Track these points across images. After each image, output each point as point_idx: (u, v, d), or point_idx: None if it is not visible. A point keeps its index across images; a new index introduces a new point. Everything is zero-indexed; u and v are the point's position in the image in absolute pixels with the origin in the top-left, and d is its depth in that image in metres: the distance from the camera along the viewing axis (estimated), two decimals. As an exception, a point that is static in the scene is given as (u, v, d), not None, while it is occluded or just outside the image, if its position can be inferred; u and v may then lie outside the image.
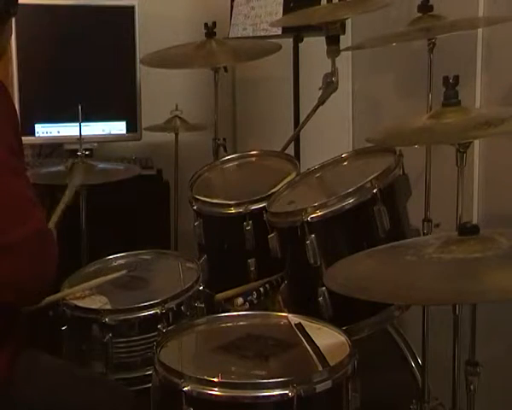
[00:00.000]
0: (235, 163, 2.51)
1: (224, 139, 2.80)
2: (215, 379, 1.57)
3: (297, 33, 2.83)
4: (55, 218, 2.10)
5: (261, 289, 2.15)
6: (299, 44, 2.87)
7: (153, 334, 1.96)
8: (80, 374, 1.86)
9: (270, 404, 1.55)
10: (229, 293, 2.18)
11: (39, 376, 1.74)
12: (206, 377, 1.57)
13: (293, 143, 2.71)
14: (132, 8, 3.03)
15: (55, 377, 1.78)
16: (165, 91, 3.15)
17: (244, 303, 2.11)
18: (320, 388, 1.57)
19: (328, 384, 1.58)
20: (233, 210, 2.22)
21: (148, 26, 3.07)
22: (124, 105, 3.08)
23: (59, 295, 2.04)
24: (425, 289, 1.43)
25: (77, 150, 2.55)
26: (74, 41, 3.00)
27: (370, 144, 2.07)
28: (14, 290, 1.60)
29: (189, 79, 3.30)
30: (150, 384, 1.69)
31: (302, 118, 2.70)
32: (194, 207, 2.29)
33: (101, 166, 2.61)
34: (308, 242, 1.91)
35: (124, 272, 2.14)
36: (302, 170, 2.30)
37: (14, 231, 1.56)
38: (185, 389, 1.56)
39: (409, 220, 2.07)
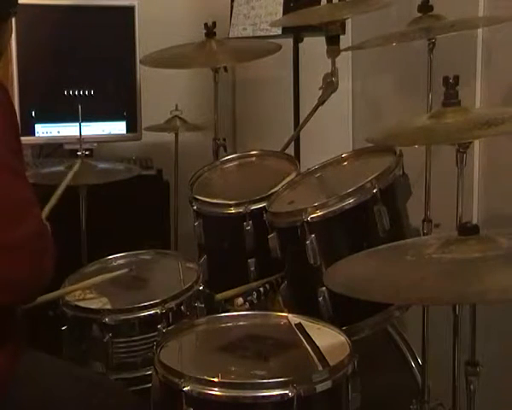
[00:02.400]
0: (235, 163, 2.51)
1: (224, 139, 2.80)
2: (215, 379, 1.57)
3: (297, 33, 2.84)
4: (46, 211, 2.10)
5: (261, 289, 2.15)
6: (299, 44, 2.87)
7: (153, 334, 1.96)
8: (80, 374, 1.86)
9: (270, 404, 1.55)
10: (229, 293, 2.18)
11: (39, 376, 1.74)
12: (206, 377, 1.57)
13: (293, 143, 2.71)
14: (132, 8, 3.03)
15: (55, 378, 1.77)
16: (165, 91, 3.15)
17: (244, 303, 2.11)
18: (320, 388, 1.57)
19: (328, 384, 1.58)
20: (233, 210, 2.22)
21: (148, 26, 3.07)
22: (124, 105, 3.08)
23: (59, 292, 2.04)
24: (425, 289, 1.43)
25: (77, 150, 2.55)
26: (74, 41, 3.00)
27: (370, 144, 2.07)
28: (11, 290, 1.59)
29: (189, 79, 3.30)
30: (150, 384, 1.69)
31: (302, 118, 2.70)
32: (194, 208, 2.29)
33: (101, 166, 2.61)
34: (308, 242, 1.91)
35: (125, 270, 2.14)
36: (302, 170, 2.30)
37: (12, 231, 1.56)
38: (185, 389, 1.56)
39: (409, 220, 2.07)
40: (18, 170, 1.65)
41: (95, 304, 2.03)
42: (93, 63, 3.02)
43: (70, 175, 2.35)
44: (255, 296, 2.12)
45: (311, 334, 1.77)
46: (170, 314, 1.99)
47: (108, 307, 2.02)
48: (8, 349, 1.69)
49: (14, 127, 1.72)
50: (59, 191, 2.25)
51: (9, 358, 1.69)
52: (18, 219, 1.58)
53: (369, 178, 1.92)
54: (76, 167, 2.39)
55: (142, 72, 3.02)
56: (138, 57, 2.98)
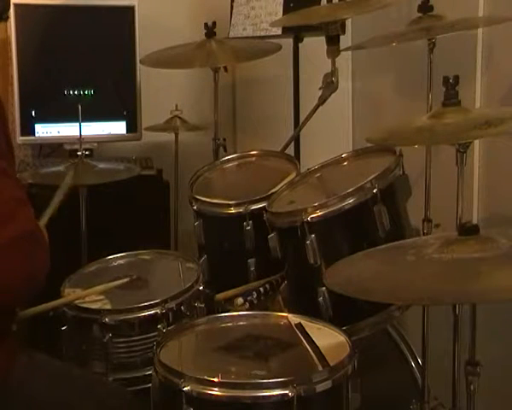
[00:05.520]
0: (235, 163, 2.51)
1: (224, 139, 2.80)
2: (215, 379, 1.57)
3: (297, 33, 2.83)
4: (44, 219, 2.09)
5: (261, 289, 2.15)
6: (299, 44, 2.87)
7: (153, 334, 1.96)
8: (80, 374, 1.86)
9: (270, 404, 1.55)
10: (229, 293, 2.18)
11: (39, 376, 1.73)
12: (206, 377, 1.57)
13: (293, 143, 2.71)
14: (132, 8, 3.03)
15: (55, 378, 1.77)
16: (165, 91, 3.15)
17: (244, 303, 2.11)
18: (320, 388, 1.57)
19: (328, 384, 1.58)
20: (233, 210, 2.22)
21: (148, 26, 3.07)
22: (124, 105, 3.08)
23: (61, 300, 2.03)
24: (425, 289, 1.43)
25: (77, 150, 2.55)
26: (74, 41, 3.00)
27: (370, 144, 2.07)
28: (1, 292, 1.57)
29: (189, 79, 3.30)
30: (150, 384, 1.69)
31: (302, 118, 2.70)
32: (194, 208, 2.29)
33: (101, 166, 2.61)
34: (308, 242, 1.91)
35: (126, 279, 2.13)
36: (302, 170, 2.30)
37: None
38: (185, 389, 1.56)
39: (409, 220, 2.07)
40: (6, 171, 1.63)
41: (95, 304, 2.03)
42: (93, 63, 3.02)
43: (65, 186, 2.33)
44: (255, 296, 2.12)
45: (311, 334, 1.77)
46: (170, 314, 1.99)
47: (108, 307, 2.02)
48: (7, 349, 1.69)
49: (3, 127, 1.71)
50: (55, 201, 2.23)
51: (8, 358, 1.69)
52: (6, 219, 1.56)
53: (369, 178, 1.93)
54: (68, 178, 2.36)
55: (142, 72, 3.02)
56: (138, 57, 2.98)
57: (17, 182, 1.67)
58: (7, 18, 1.78)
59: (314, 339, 1.75)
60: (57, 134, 3.01)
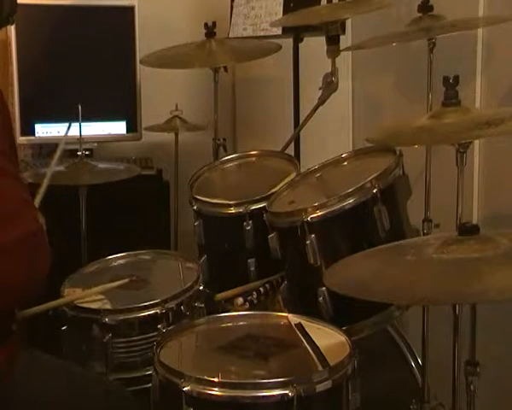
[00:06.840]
0: (235, 163, 2.51)
1: (224, 139, 2.80)
2: (215, 379, 1.57)
3: (297, 33, 2.83)
4: (37, 200, 2.08)
5: (261, 289, 2.14)
6: (299, 44, 2.87)
7: (153, 334, 1.96)
8: (80, 374, 1.86)
9: (270, 404, 1.55)
10: (229, 293, 2.18)
11: (39, 376, 1.73)
12: (206, 377, 1.57)
13: (293, 143, 2.71)
14: (132, 8, 3.03)
15: (55, 377, 1.77)
16: (165, 91, 3.15)
17: (244, 303, 2.11)
18: (320, 388, 1.57)
19: (328, 384, 1.58)
20: (233, 210, 2.22)
21: (148, 26, 3.07)
22: (124, 105, 3.08)
23: (60, 300, 2.04)
24: (425, 289, 1.43)
25: (77, 150, 2.55)
26: (74, 41, 3.00)
27: (370, 144, 2.07)
28: (5, 293, 1.57)
29: (189, 79, 3.30)
30: (150, 384, 1.69)
31: (302, 118, 2.70)
32: (194, 208, 2.29)
33: (101, 166, 2.61)
34: (308, 242, 1.91)
35: (126, 280, 2.12)
36: (302, 170, 2.30)
37: (4, 232, 1.54)
38: (185, 389, 1.56)
39: (409, 220, 2.07)
40: (10, 171, 1.63)
41: (95, 304, 2.03)
42: (93, 63, 3.01)
43: (56, 157, 2.32)
44: (255, 296, 2.12)
45: (311, 334, 1.77)
46: (170, 314, 1.99)
47: (108, 307, 2.02)
48: (7, 348, 1.69)
49: (7, 129, 1.71)
50: (48, 174, 2.23)
51: (8, 357, 1.69)
52: (11, 219, 1.56)
53: (369, 178, 1.92)
54: (61, 147, 2.36)
55: (142, 72, 3.02)
56: (138, 57, 2.98)
57: (21, 182, 1.67)
58: (13, 21, 1.78)
59: (314, 339, 1.74)
60: (57, 134, 3.00)
